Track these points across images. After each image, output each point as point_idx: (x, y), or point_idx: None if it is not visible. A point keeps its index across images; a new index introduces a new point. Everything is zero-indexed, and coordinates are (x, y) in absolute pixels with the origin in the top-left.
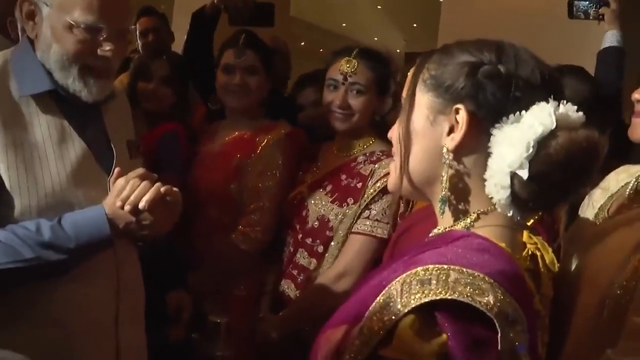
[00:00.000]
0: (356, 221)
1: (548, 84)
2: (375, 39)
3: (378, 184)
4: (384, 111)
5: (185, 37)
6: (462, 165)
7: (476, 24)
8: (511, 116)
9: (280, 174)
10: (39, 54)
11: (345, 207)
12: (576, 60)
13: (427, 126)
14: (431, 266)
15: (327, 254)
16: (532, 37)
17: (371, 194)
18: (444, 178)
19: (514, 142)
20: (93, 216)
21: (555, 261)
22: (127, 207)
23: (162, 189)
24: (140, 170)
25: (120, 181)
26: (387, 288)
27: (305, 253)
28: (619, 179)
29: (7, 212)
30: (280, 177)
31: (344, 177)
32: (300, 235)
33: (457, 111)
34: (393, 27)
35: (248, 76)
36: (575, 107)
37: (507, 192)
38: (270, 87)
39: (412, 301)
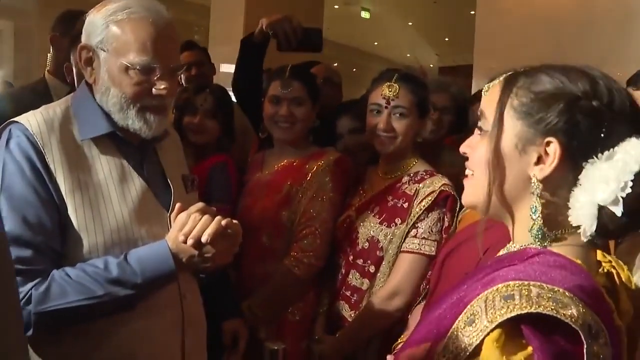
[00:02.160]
0: (404, 240)
1: (636, 115)
2: (408, 55)
3: (423, 203)
4: (424, 133)
5: (235, 65)
6: (550, 193)
7: (510, 35)
8: (605, 153)
9: (330, 199)
10: (98, 98)
11: (393, 227)
12: (608, 68)
13: (515, 154)
14: (512, 282)
15: (379, 274)
16: (565, 46)
17: (417, 212)
18: (537, 207)
19: (608, 179)
20: (157, 251)
21: (632, 278)
22: (190, 241)
23: (223, 222)
24: (200, 205)
25: (182, 216)
26: (469, 305)
27: (357, 274)
28: None
29: (76, 250)
30: (331, 203)
31: (390, 198)
32: (352, 257)
33: (548, 144)
34: (425, 42)
35: (295, 107)
36: None
37: (595, 223)
38: (317, 116)
39: (499, 316)
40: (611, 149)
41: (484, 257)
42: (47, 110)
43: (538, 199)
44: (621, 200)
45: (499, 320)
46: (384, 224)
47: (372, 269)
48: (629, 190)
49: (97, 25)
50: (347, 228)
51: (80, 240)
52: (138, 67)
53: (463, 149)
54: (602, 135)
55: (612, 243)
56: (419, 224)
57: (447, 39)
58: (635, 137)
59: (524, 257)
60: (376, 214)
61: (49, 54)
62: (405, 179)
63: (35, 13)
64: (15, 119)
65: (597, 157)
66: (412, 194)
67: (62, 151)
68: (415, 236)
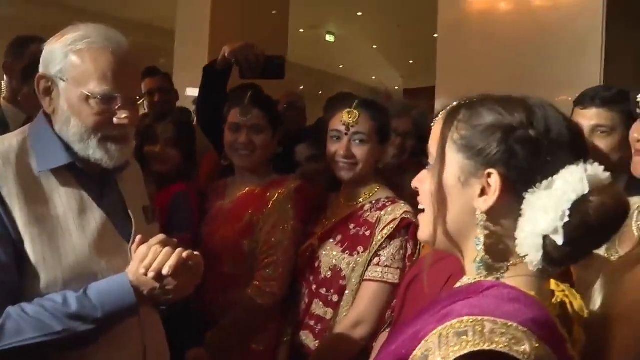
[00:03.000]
0: (367, 268)
1: (575, 142)
2: (373, 77)
3: (385, 231)
4: (385, 159)
5: (198, 92)
6: (495, 225)
7: (472, 57)
8: (544, 182)
9: (292, 227)
10: (57, 128)
11: (356, 256)
12: (567, 95)
13: (458, 186)
14: (465, 318)
15: (342, 303)
16: (523, 70)
17: (379, 240)
18: (480, 239)
19: (548, 209)
20: (118, 285)
21: (584, 307)
22: (150, 274)
23: (184, 254)
24: (161, 237)
25: (143, 248)
26: (424, 341)
27: (321, 303)
28: None
29: (34, 285)
30: (293, 231)
31: (352, 226)
32: (315, 286)
33: (489, 175)
34: (389, 65)
35: (254, 135)
36: (602, 167)
37: (540, 253)
38: (280, 141)
39: (451, 353)
40: (550, 178)
41: (446, 286)
42: (2, 142)
43: (482, 230)
44: (561, 229)
45: (452, 358)
46: (347, 252)
47: (335, 298)
48: (567, 219)
49: (56, 55)
50: (309, 257)
51: (38, 275)
52: (99, 97)
53: (414, 184)
54: (541, 164)
55: None
56: (381, 252)
57: (411, 62)
58: (575, 163)
59: (478, 290)
60: (338, 242)
61: (2, 81)
62: (367, 206)
63: None
64: None
65: (537, 186)
66: (374, 221)
67: (18, 184)
68: (378, 264)
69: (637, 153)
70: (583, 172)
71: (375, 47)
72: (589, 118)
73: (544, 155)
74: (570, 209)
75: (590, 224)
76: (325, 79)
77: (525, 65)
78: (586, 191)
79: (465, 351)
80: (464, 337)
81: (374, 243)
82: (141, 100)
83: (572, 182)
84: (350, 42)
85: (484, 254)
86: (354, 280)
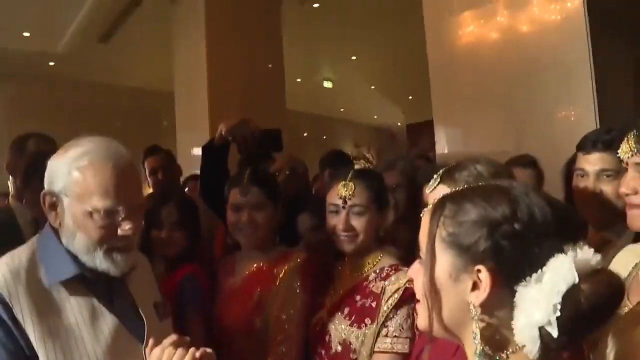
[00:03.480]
0: (376, 340)
1: (563, 226)
2: (375, 117)
3: (390, 301)
4: (386, 225)
5: (199, 171)
6: (490, 317)
7: (463, 90)
8: (534, 275)
9: (301, 301)
10: (64, 241)
11: (364, 328)
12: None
13: (450, 282)
14: None
15: None
16: (516, 99)
17: (385, 311)
18: (476, 333)
19: (540, 302)
20: None
21: None
22: None
23: (197, 354)
24: (173, 337)
25: (156, 351)
26: None
27: None
28: (627, 261)
29: None
30: (302, 305)
31: (358, 297)
32: None
33: (478, 271)
34: (390, 102)
35: (256, 213)
36: (592, 250)
37: (538, 343)
38: (283, 206)
39: None
40: (540, 270)
41: (455, 357)
42: (12, 260)
43: (478, 323)
44: (555, 321)
45: None
46: (354, 325)
47: None
48: (558, 312)
49: (59, 172)
50: (319, 331)
51: None
52: (102, 212)
53: (410, 274)
54: (528, 256)
55: None
56: (388, 323)
57: (410, 97)
58: (565, 249)
59: None
60: (346, 315)
61: (8, 181)
62: (372, 276)
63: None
64: None
65: (527, 279)
66: (379, 292)
67: (30, 300)
68: (386, 335)
69: (629, 207)
70: (571, 262)
71: (373, 87)
72: (593, 163)
73: (531, 247)
74: (562, 301)
75: (584, 313)
76: (328, 123)
77: (515, 94)
78: (576, 281)
79: None
80: None
81: (381, 314)
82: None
83: (561, 272)
84: (348, 86)
85: (482, 346)
86: (364, 353)
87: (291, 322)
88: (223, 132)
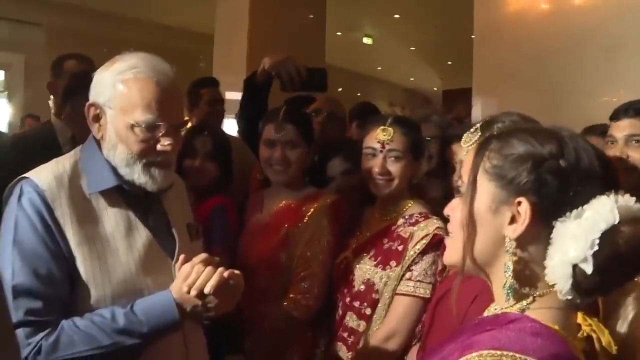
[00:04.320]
0: (399, 283)
1: (606, 174)
2: (412, 79)
3: (417, 246)
4: (419, 175)
5: (239, 104)
6: (523, 252)
7: (507, 59)
8: (574, 211)
9: (327, 241)
10: (105, 153)
11: (388, 270)
12: (596, 92)
13: (489, 214)
14: (485, 352)
15: (375, 316)
16: (555, 73)
17: (411, 255)
18: (509, 266)
19: (577, 238)
20: (162, 302)
21: (612, 343)
22: (193, 292)
23: (225, 274)
24: (203, 256)
25: (186, 267)
26: None
27: (354, 316)
28: None
29: (84, 301)
30: (328, 244)
31: (385, 240)
32: (348, 299)
33: (519, 204)
34: (428, 66)
35: (289, 150)
36: (634, 199)
37: (570, 282)
38: (321, 150)
39: None
40: (580, 208)
41: (473, 304)
42: (57, 166)
43: (512, 257)
44: (591, 258)
45: None
46: (379, 266)
47: (368, 311)
48: (596, 247)
49: (105, 84)
50: (344, 270)
51: (88, 291)
52: (143, 125)
53: (446, 211)
54: (571, 194)
55: None
56: (413, 267)
57: (449, 63)
58: (606, 194)
59: (502, 323)
60: (372, 256)
61: (49, 101)
62: (401, 221)
63: (46, 47)
64: (27, 174)
65: (566, 215)
66: (407, 236)
67: (70, 206)
68: (410, 279)
69: None
70: (614, 203)
71: (413, 48)
72: (622, 129)
73: (574, 186)
74: (600, 239)
75: (621, 255)
76: (364, 81)
77: (559, 67)
78: (617, 221)
79: None
80: None
81: (407, 258)
82: (183, 128)
83: (602, 212)
84: (387, 44)
85: (512, 280)
86: (386, 294)
87: (316, 259)
88: (266, 67)
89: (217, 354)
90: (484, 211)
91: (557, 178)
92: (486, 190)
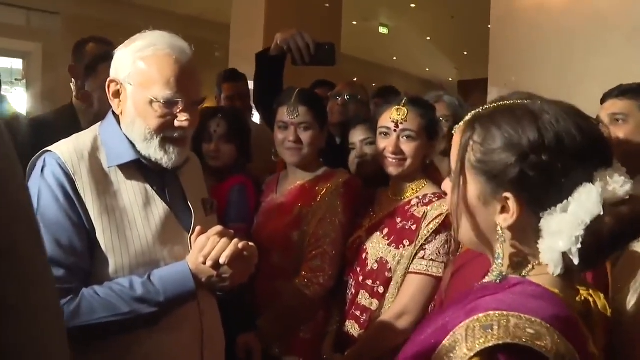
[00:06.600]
0: (412, 261)
1: (593, 147)
2: (427, 69)
3: (431, 226)
4: (433, 156)
5: (254, 81)
6: (516, 234)
7: (523, 49)
8: (559, 205)
9: (339, 220)
10: (124, 127)
11: (401, 249)
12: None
13: (479, 205)
14: (492, 312)
15: (387, 294)
16: (575, 59)
17: (425, 235)
18: (499, 254)
19: (563, 231)
20: (178, 271)
21: (608, 306)
22: (209, 263)
23: (240, 245)
24: (218, 228)
25: (202, 238)
26: (452, 333)
27: (367, 294)
28: None
29: (103, 270)
30: (340, 224)
31: (399, 220)
32: (361, 278)
33: (506, 198)
34: (443, 56)
35: (302, 132)
36: (623, 178)
37: (560, 266)
38: (341, 131)
39: (477, 345)
40: (566, 200)
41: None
42: (77, 140)
43: (503, 245)
44: (576, 251)
45: (477, 350)
46: (393, 245)
47: (380, 289)
48: (579, 245)
49: (125, 61)
50: (357, 248)
51: (107, 260)
52: (162, 101)
53: (443, 188)
54: (555, 186)
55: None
56: (426, 246)
57: (465, 53)
58: (595, 174)
59: (505, 287)
60: (385, 235)
61: (71, 83)
62: (414, 201)
63: (63, 35)
64: (49, 148)
65: (553, 208)
66: (420, 216)
67: (91, 178)
68: (423, 258)
69: None
70: (597, 193)
71: (428, 38)
72: (606, 109)
73: (559, 177)
74: (585, 231)
75: (605, 243)
76: (379, 71)
77: (577, 55)
78: (600, 213)
79: (490, 344)
80: (490, 330)
81: (420, 237)
82: (201, 105)
83: (587, 205)
84: (403, 34)
85: (502, 267)
86: (399, 273)
87: (328, 238)
88: (278, 42)
89: (230, 333)
90: (474, 202)
91: (540, 173)
92: (473, 183)
